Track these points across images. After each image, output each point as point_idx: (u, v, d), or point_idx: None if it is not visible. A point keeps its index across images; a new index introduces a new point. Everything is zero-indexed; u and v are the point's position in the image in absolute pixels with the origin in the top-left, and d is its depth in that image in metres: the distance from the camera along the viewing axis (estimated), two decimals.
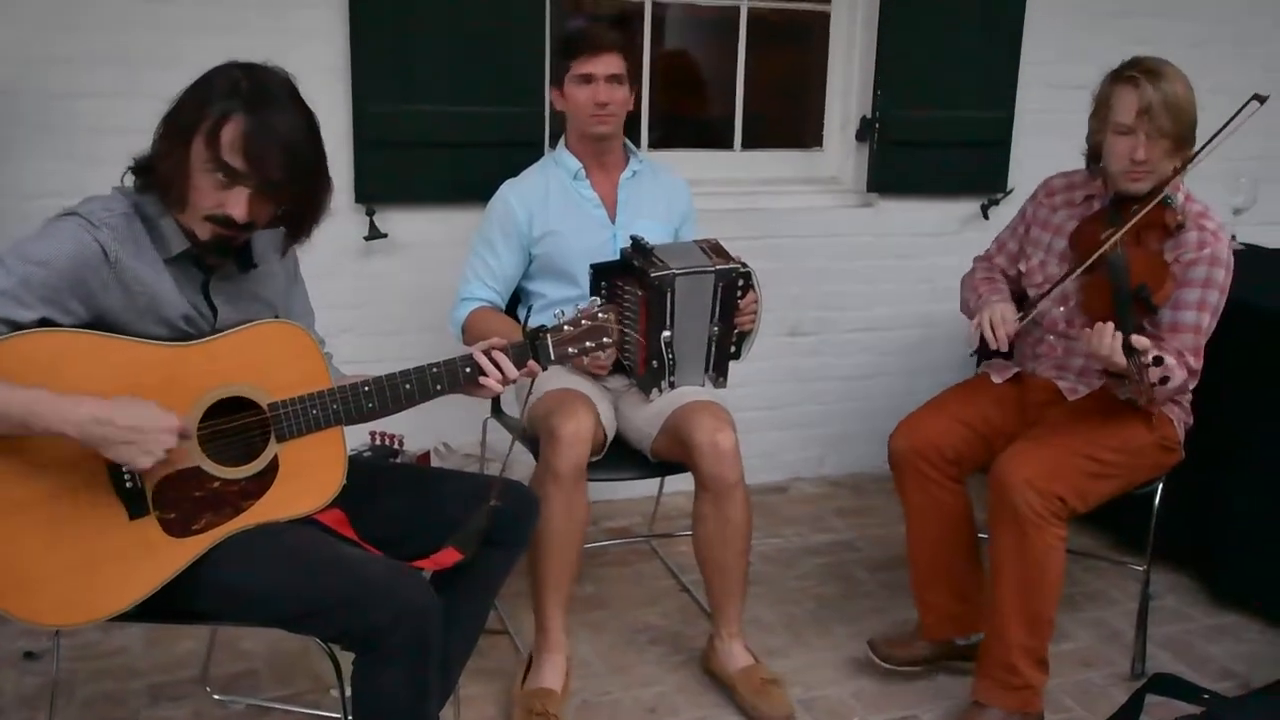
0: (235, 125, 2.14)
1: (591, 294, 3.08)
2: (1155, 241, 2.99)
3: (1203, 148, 2.96)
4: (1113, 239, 2.94)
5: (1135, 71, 2.96)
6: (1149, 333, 2.87)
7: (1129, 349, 2.69)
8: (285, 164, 2.18)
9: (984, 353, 3.23)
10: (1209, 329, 2.98)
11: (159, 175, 2.21)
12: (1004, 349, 3.10)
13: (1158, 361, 2.68)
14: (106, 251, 2.16)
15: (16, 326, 2.09)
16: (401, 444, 3.77)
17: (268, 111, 2.16)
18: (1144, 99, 2.91)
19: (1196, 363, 2.96)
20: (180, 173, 2.18)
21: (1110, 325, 2.74)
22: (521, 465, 3.24)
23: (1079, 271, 3.02)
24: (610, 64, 3.21)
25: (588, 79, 3.21)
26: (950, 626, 3.26)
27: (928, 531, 3.20)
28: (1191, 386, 3.01)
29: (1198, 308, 2.96)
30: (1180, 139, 2.95)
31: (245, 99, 2.16)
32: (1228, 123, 2.92)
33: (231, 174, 2.16)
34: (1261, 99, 2.92)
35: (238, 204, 2.18)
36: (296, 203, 2.28)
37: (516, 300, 3.43)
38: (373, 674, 2.24)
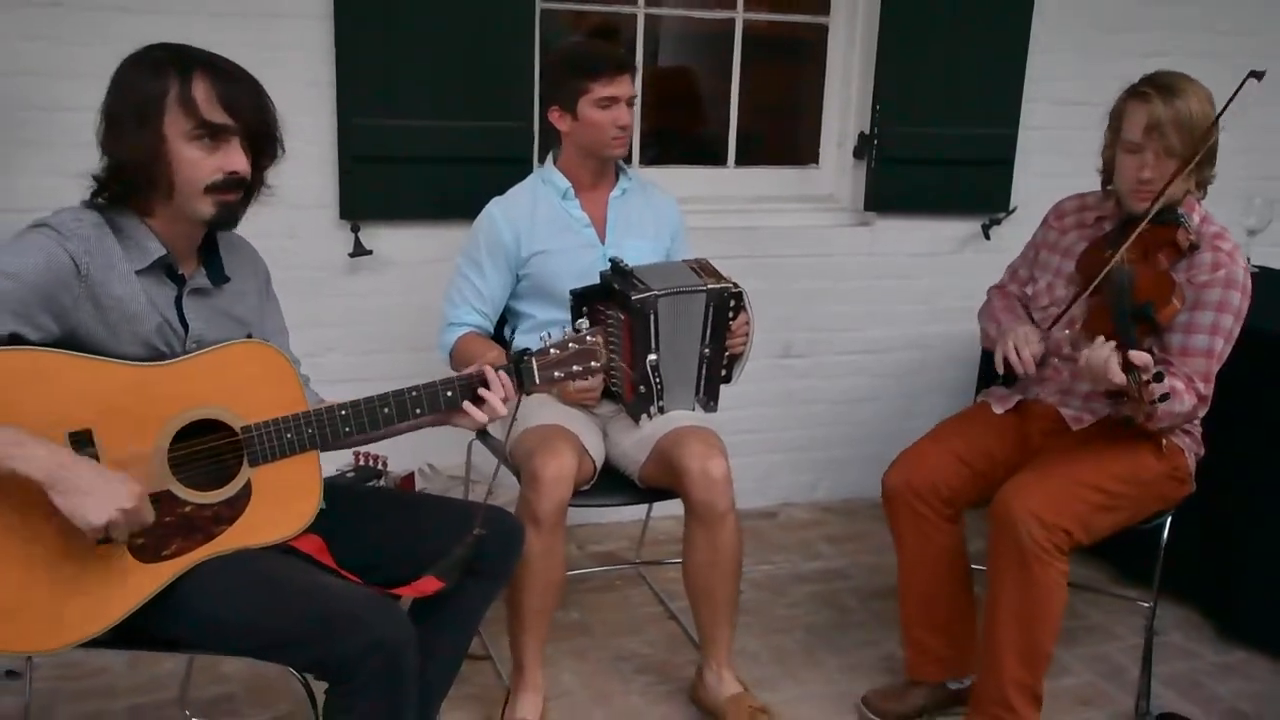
0: (202, 84, 2.14)
1: (573, 320, 3.00)
2: (1165, 261, 2.91)
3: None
4: (1116, 255, 2.87)
5: (1149, 87, 2.88)
6: (1158, 357, 2.79)
7: (1128, 366, 2.60)
8: (257, 104, 2.20)
9: (1010, 378, 3.12)
10: (1223, 354, 2.89)
11: (132, 177, 2.17)
12: (1031, 371, 3.01)
13: (1158, 378, 2.58)
14: (77, 264, 2.11)
15: None
16: (385, 465, 3.73)
17: (215, 63, 2.18)
18: (1153, 116, 2.83)
19: (1207, 389, 2.86)
20: (160, 160, 2.15)
21: (1109, 341, 2.66)
22: (507, 489, 3.17)
23: (1085, 294, 2.94)
24: (629, 86, 3.17)
25: (611, 102, 3.14)
26: (938, 668, 3.18)
27: (920, 571, 3.13)
28: (1202, 414, 2.93)
29: (1210, 331, 2.86)
30: (1191, 160, 2.85)
31: (189, 63, 2.16)
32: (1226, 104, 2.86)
33: (219, 130, 2.16)
34: (1259, 75, 2.84)
35: (236, 158, 2.18)
36: (270, 144, 2.26)
37: (504, 321, 3.36)
38: (346, 706, 2.17)
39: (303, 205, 3.68)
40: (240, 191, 2.22)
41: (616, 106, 3.15)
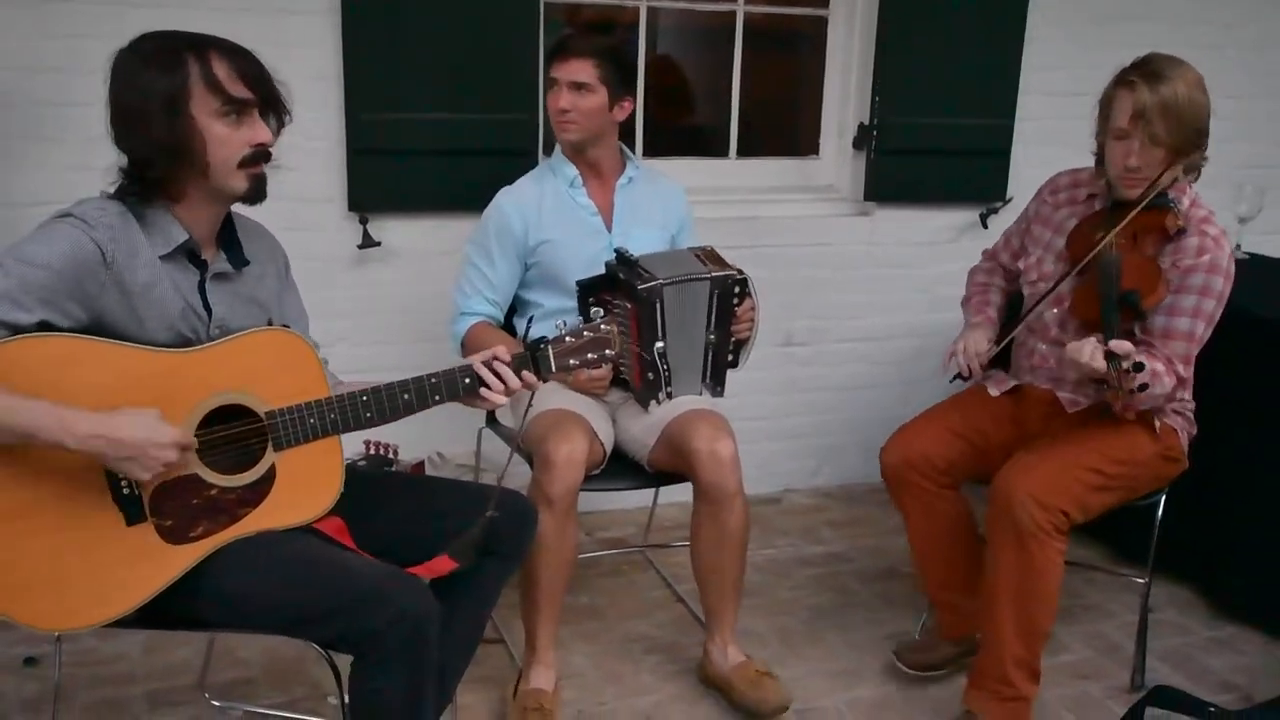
0: (219, 62, 2.20)
1: (580, 311, 3.05)
2: (1152, 246, 2.94)
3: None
4: (1104, 241, 2.90)
5: (1135, 74, 2.88)
6: (1140, 339, 2.85)
7: (1110, 355, 2.63)
8: (266, 75, 2.27)
9: (962, 378, 3.17)
10: (1203, 337, 2.92)
11: (165, 166, 2.21)
12: (978, 374, 3.10)
13: (1138, 367, 2.61)
14: (104, 252, 2.15)
15: (16, 329, 2.08)
16: (396, 453, 3.75)
17: (222, 42, 2.24)
18: (1139, 103, 2.84)
19: (1186, 371, 2.90)
20: (192, 143, 2.20)
21: (1090, 338, 2.70)
22: (518, 476, 3.21)
23: (1073, 274, 2.98)
24: (575, 70, 3.16)
25: (552, 83, 3.20)
26: (969, 623, 3.23)
27: (931, 535, 3.18)
28: (1181, 395, 2.98)
29: (1192, 315, 2.89)
30: (1179, 146, 2.87)
31: (201, 44, 2.21)
32: None
33: (244, 105, 2.22)
34: None
35: (261, 130, 2.26)
36: (280, 112, 2.32)
37: (514, 310, 3.40)
38: (370, 679, 2.24)
39: (311, 198, 3.73)
40: (266, 163, 2.29)
41: (556, 89, 3.19)
